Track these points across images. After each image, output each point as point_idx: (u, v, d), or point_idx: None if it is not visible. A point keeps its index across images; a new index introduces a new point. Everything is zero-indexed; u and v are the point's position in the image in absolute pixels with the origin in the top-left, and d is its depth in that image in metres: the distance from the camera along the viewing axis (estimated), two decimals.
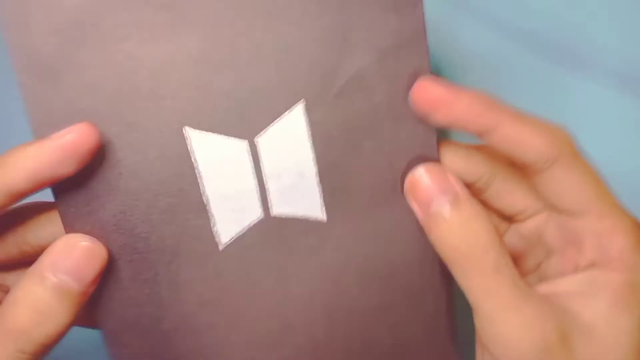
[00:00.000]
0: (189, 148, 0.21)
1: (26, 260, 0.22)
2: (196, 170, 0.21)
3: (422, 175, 0.22)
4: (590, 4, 0.36)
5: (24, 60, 0.19)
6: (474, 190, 0.23)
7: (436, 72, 0.24)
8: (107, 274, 0.21)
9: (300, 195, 0.22)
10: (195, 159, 0.21)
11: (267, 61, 0.20)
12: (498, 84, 0.31)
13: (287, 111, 0.21)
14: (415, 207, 0.22)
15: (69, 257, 0.20)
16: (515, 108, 0.22)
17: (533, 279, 0.24)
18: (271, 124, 0.21)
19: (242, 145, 0.21)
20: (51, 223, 0.21)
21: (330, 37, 0.21)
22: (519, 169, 0.23)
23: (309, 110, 0.21)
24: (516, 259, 0.25)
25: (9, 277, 0.23)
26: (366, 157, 0.22)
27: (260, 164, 0.22)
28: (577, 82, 0.34)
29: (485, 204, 0.24)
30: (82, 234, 0.21)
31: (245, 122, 0.21)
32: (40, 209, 0.22)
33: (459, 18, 0.32)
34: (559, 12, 0.36)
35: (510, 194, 0.24)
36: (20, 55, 0.19)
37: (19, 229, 0.22)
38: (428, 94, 0.22)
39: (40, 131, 0.19)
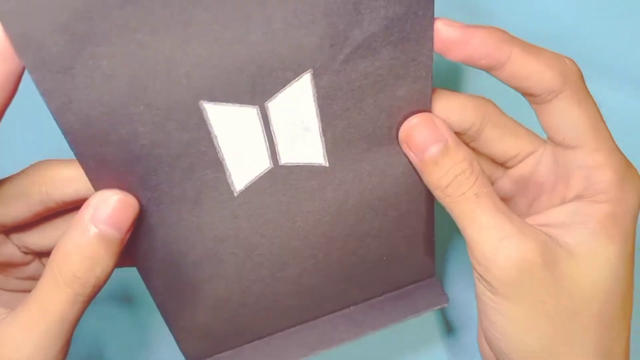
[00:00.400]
0: (204, 117, 0.22)
1: (48, 216, 0.25)
2: (212, 135, 0.23)
3: (415, 126, 0.25)
4: (591, 5, 0.35)
5: (34, 59, 0.19)
6: (466, 137, 0.26)
7: (435, 70, 0.24)
8: (139, 222, 0.24)
9: (305, 146, 0.24)
10: (210, 125, 0.22)
11: (278, 37, 0.21)
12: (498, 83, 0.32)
13: (296, 79, 0.22)
14: (410, 154, 0.25)
15: (106, 209, 0.22)
16: (524, 41, 0.24)
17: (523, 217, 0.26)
18: (280, 91, 0.22)
19: (253, 110, 0.23)
20: (76, 180, 0.23)
21: (341, 10, 0.21)
22: (510, 119, 0.26)
23: (315, 77, 0.22)
24: (509, 202, 0.28)
25: (27, 238, 0.25)
26: (366, 111, 0.24)
27: (270, 124, 0.23)
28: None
29: (478, 151, 0.26)
30: (114, 189, 0.23)
31: (257, 92, 0.22)
32: (65, 166, 0.23)
33: (460, 18, 0.32)
34: (560, 12, 0.35)
35: (500, 141, 0.26)
36: (30, 55, 0.19)
37: (44, 186, 0.23)
38: (441, 36, 0.23)
39: (64, 123, 0.20)
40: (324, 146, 0.25)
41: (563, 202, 0.25)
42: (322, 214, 0.26)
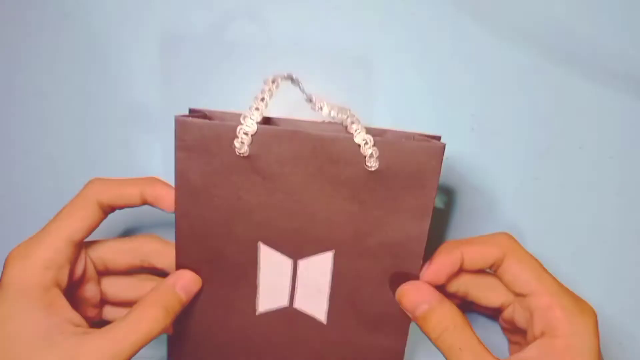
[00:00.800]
0: (257, 252, 0.34)
1: (134, 270, 0.37)
2: (258, 265, 0.34)
3: (408, 289, 0.33)
4: (591, 5, 0.40)
5: (183, 188, 0.33)
6: (457, 297, 0.35)
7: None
8: (189, 306, 0.35)
9: (314, 302, 0.35)
10: (259, 259, 0.34)
11: (322, 223, 0.33)
12: (497, 82, 0.39)
13: (322, 252, 0.34)
14: (406, 310, 0.33)
15: (184, 279, 0.34)
16: (462, 240, 0.34)
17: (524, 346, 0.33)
18: (310, 256, 0.34)
19: (289, 261, 0.34)
20: (167, 255, 0.35)
21: (365, 223, 0.33)
22: (486, 278, 0.34)
23: (335, 256, 0.34)
24: (513, 334, 0.36)
25: (109, 283, 0.37)
26: (367, 289, 0.34)
27: (296, 276, 0.34)
28: (575, 81, 0.41)
29: (474, 303, 0.35)
30: (189, 270, 0.35)
31: (296, 250, 0.34)
32: (166, 245, 0.36)
33: (460, 20, 0.40)
34: (560, 12, 0.40)
35: (485, 297, 0.35)
36: (182, 185, 0.33)
37: (149, 250, 0.36)
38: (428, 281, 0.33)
39: (180, 223, 0.34)
40: (327, 308, 0.35)
41: (533, 339, 0.32)
42: (312, 355, 0.35)
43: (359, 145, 0.31)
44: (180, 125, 0.31)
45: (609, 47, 0.40)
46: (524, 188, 0.42)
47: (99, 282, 0.37)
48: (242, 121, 0.31)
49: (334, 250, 0.34)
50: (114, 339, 0.31)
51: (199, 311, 0.36)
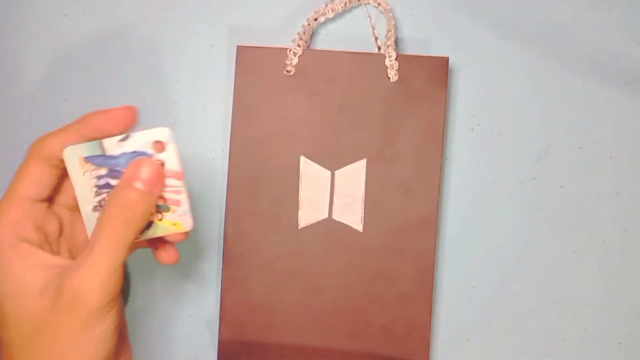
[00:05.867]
0: (299, 166, 0.38)
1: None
2: (299, 180, 0.38)
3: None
4: (590, 4, 0.42)
5: (239, 109, 0.39)
6: None
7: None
8: (236, 227, 0.37)
9: (351, 211, 0.37)
10: (301, 172, 0.38)
11: (355, 134, 0.38)
12: (496, 83, 0.40)
13: (356, 162, 0.38)
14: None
15: (143, 172, 0.30)
16: None
17: None
18: (345, 166, 0.38)
19: (327, 172, 0.38)
20: (59, 143, 0.31)
21: (390, 131, 0.38)
22: None
23: (368, 164, 0.38)
24: None
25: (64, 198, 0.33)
26: (396, 194, 0.37)
27: (334, 186, 0.38)
28: (575, 81, 0.42)
29: None
30: (152, 160, 0.30)
31: (333, 162, 0.38)
32: (51, 135, 0.31)
33: (461, 19, 0.42)
34: (559, 11, 0.41)
35: None
36: (238, 107, 0.39)
37: (45, 150, 0.31)
38: None
39: (236, 146, 0.39)
40: (362, 216, 0.37)
41: None
42: (350, 264, 0.37)
43: (385, 57, 0.38)
44: (240, 50, 0.39)
45: (609, 47, 0.41)
46: (523, 188, 0.42)
47: (51, 209, 0.33)
48: (292, 43, 0.39)
49: (366, 159, 0.38)
50: (93, 265, 0.29)
51: (246, 231, 0.38)
